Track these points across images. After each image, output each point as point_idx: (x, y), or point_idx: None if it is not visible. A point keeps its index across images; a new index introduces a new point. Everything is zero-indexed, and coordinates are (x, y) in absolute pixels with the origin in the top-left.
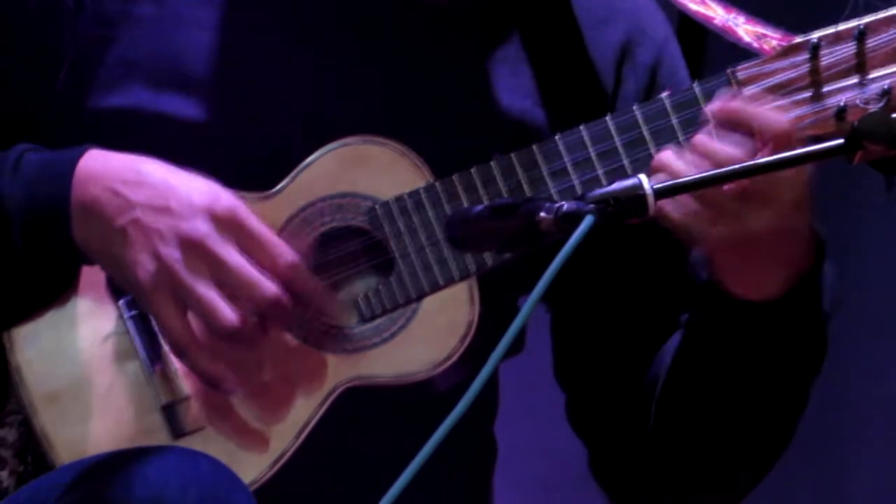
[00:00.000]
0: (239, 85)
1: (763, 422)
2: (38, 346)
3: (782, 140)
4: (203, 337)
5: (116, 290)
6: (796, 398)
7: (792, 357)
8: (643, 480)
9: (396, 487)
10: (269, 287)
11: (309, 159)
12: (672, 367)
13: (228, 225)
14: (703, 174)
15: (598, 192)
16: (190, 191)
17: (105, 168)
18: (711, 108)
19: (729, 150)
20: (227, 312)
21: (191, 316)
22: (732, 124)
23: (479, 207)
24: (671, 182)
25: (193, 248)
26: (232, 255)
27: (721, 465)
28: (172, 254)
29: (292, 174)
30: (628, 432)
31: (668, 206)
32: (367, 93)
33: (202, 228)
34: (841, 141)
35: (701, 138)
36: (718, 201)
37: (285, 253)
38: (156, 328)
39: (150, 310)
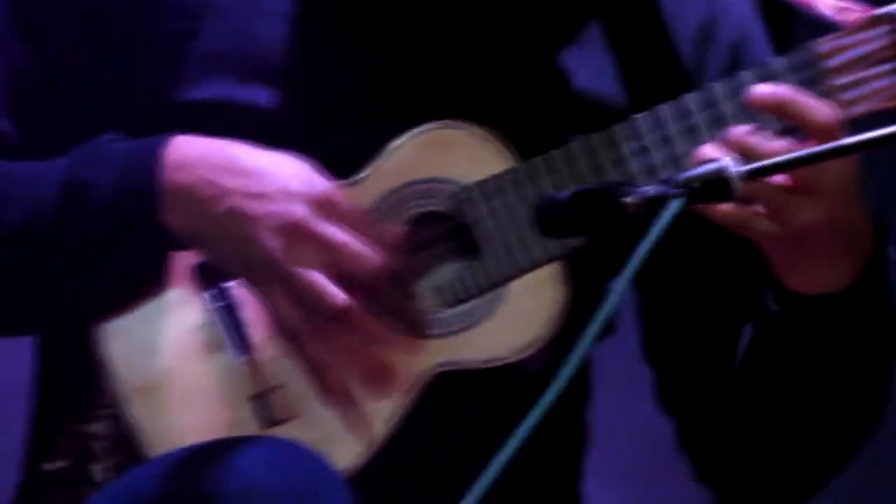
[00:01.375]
0: (321, 74)
1: (842, 408)
2: (127, 339)
3: (827, 133)
4: (310, 323)
5: (202, 281)
6: (873, 385)
7: (863, 346)
8: (728, 459)
9: (489, 476)
10: (380, 257)
11: (392, 146)
12: (745, 356)
13: (325, 207)
14: (789, 156)
15: (684, 175)
16: (284, 175)
17: (195, 154)
18: (756, 91)
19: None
20: (336, 293)
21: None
22: (777, 112)
23: (565, 193)
24: (758, 164)
25: (294, 233)
26: (335, 233)
27: (801, 449)
28: (273, 240)
29: (376, 161)
30: (715, 412)
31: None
32: (446, 79)
33: (301, 212)
34: None
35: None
36: (765, 194)
37: (384, 231)
38: (243, 318)
39: (260, 299)
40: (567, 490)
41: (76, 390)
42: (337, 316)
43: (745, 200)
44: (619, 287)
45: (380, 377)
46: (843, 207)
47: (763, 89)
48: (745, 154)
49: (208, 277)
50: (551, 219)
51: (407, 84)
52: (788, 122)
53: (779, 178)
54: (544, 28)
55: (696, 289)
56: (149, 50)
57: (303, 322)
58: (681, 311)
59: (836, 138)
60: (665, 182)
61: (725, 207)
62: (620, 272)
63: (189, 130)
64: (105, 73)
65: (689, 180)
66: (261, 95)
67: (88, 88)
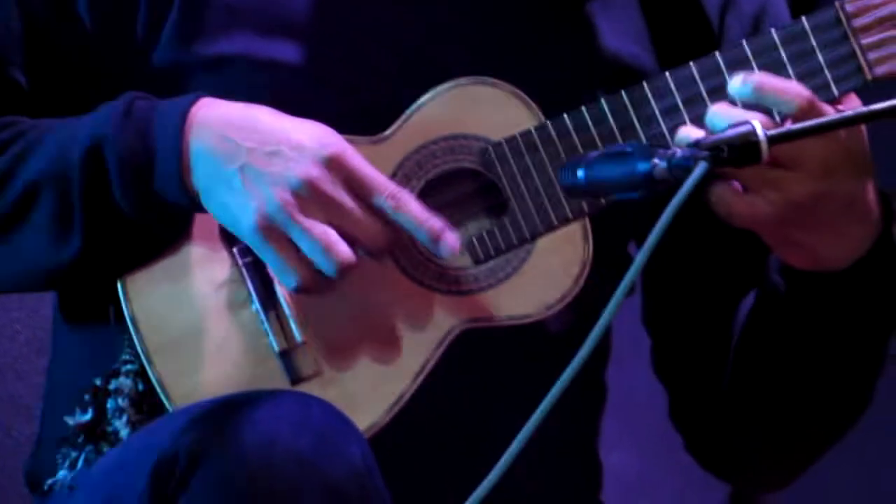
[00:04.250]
0: (345, 29)
1: (833, 385)
2: (153, 295)
3: (805, 111)
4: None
5: (230, 236)
6: (868, 361)
7: (862, 324)
8: (719, 432)
9: (516, 444)
10: (380, 227)
11: (419, 101)
12: (744, 331)
13: (338, 167)
14: (818, 121)
15: (712, 138)
16: (300, 135)
17: (217, 115)
18: (732, 86)
19: None
20: (344, 248)
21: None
22: (756, 98)
23: (593, 154)
24: (785, 129)
25: (305, 190)
26: (344, 196)
27: (794, 425)
28: (285, 196)
29: (403, 117)
30: (708, 383)
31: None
32: (472, 36)
33: (313, 171)
34: None
35: None
36: (749, 173)
37: (396, 191)
38: (271, 274)
39: (262, 254)
40: (587, 448)
41: (100, 345)
42: (343, 271)
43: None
44: (647, 248)
45: (399, 341)
46: (826, 183)
47: (737, 78)
48: None
49: None
50: (576, 180)
51: (432, 39)
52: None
53: None
54: None
55: (697, 258)
56: (170, 3)
57: (308, 277)
58: (679, 280)
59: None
60: (693, 145)
61: (723, 193)
62: (644, 234)
63: (209, 84)
64: (127, 26)
65: (717, 144)
66: (282, 50)
67: (109, 42)
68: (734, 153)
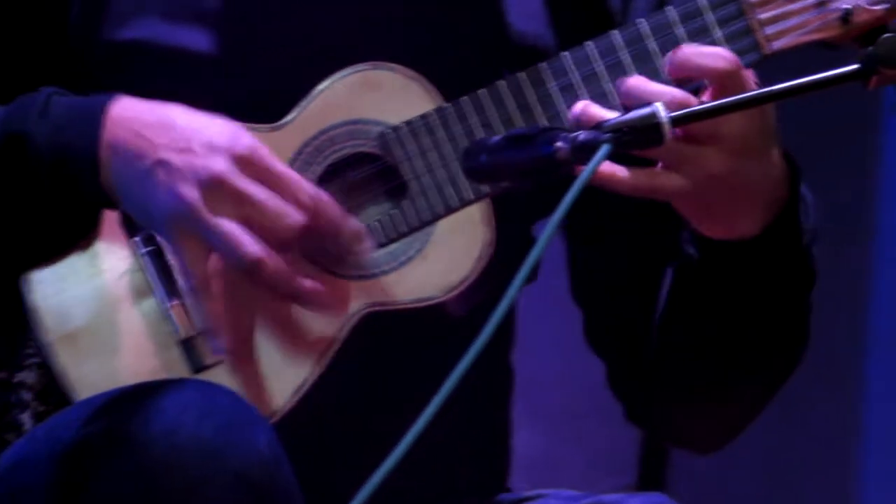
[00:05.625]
0: (250, 16)
1: (757, 347)
2: (54, 286)
3: (730, 75)
4: (222, 280)
5: (130, 227)
6: (789, 321)
7: (777, 286)
8: (655, 399)
9: (420, 424)
10: (296, 215)
11: (319, 87)
12: (666, 299)
13: (249, 163)
14: (722, 101)
15: (614, 120)
16: (211, 132)
17: (132, 113)
18: (666, 65)
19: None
20: (253, 245)
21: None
22: (683, 69)
23: (495, 138)
24: (688, 110)
25: (215, 186)
26: (254, 189)
27: (721, 388)
28: (193, 192)
29: (303, 103)
30: (640, 351)
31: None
32: (376, 19)
33: (222, 166)
34: (856, 66)
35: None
36: (668, 148)
37: (306, 186)
38: (171, 263)
39: (174, 250)
40: (495, 431)
41: (3, 339)
42: (251, 268)
43: (646, 161)
44: (548, 231)
45: (290, 334)
46: (742, 158)
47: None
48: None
49: (136, 223)
50: (481, 164)
51: (336, 25)
52: (694, 80)
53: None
54: None
55: (619, 229)
56: None
57: (205, 276)
58: (604, 252)
59: (742, 81)
60: (595, 128)
61: (626, 176)
62: (548, 215)
63: (116, 70)
64: (36, 9)
65: (619, 125)
66: (189, 37)
67: (16, 28)
68: (636, 135)
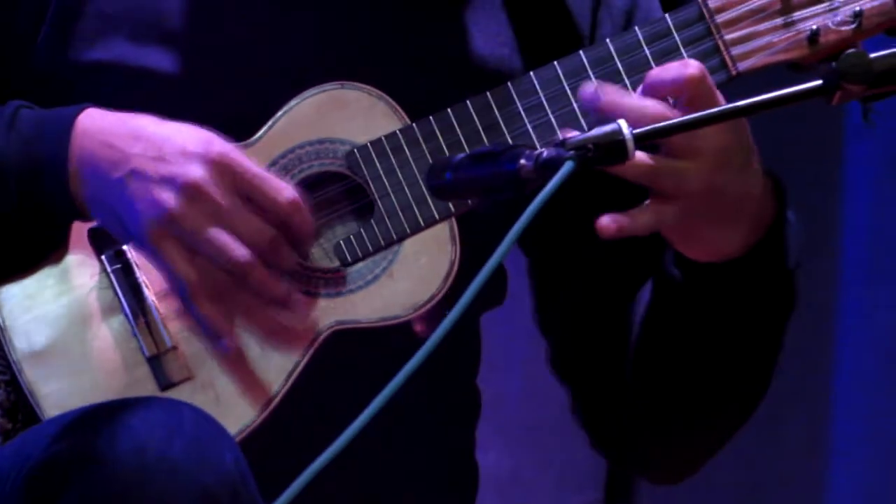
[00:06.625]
0: (217, 38)
1: (736, 371)
2: (21, 303)
3: (696, 84)
4: (210, 285)
5: (99, 243)
6: (767, 346)
7: (760, 309)
8: (623, 427)
9: (358, 423)
10: (267, 227)
11: (287, 107)
12: (643, 322)
13: (223, 168)
14: (683, 118)
15: (578, 137)
16: (183, 139)
17: (102, 124)
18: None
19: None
20: (241, 248)
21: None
22: (655, 91)
23: (460, 156)
24: (651, 127)
25: (193, 193)
26: (228, 198)
27: (697, 414)
28: (171, 200)
29: (270, 122)
30: (608, 379)
31: None
32: (343, 40)
33: (197, 173)
34: (819, 82)
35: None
36: (642, 168)
37: (283, 189)
38: (139, 280)
39: (155, 260)
40: (463, 452)
41: None
42: (239, 270)
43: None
44: (502, 248)
45: (277, 335)
46: (722, 173)
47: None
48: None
49: (104, 240)
50: (445, 182)
51: (302, 46)
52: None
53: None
54: None
55: (586, 256)
56: (47, 7)
57: (201, 279)
58: (571, 279)
59: (708, 91)
60: (559, 145)
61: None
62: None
63: (83, 91)
64: (6, 29)
65: (583, 143)
66: (155, 58)
67: None
68: (600, 152)
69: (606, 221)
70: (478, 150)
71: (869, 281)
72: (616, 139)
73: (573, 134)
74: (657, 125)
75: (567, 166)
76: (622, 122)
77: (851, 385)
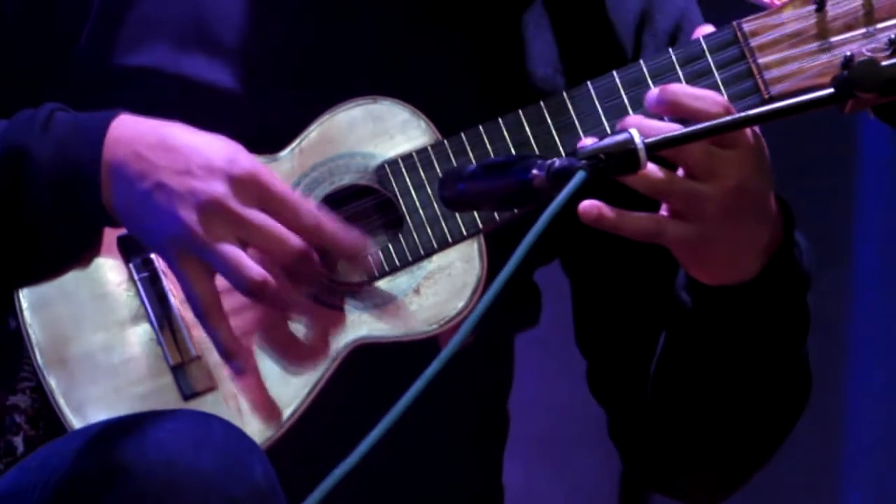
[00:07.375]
0: (261, 50)
1: (757, 398)
2: (48, 309)
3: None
4: (227, 302)
5: (127, 251)
6: (789, 372)
7: (772, 333)
8: (653, 452)
9: (373, 436)
10: (295, 241)
11: (319, 120)
12: (663, 348)
13: (248, 185)
14: (694, 127)
15: (590, 147)
16: (210, 153)
17: (133, 132)
18: (649, 101)
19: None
20: (254, 268)
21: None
22: (672, 111)
23: (472, 167)
24: (662, 136)
25: (213, 209)
26: (253, 213)
27: (720, 438)
28: (192, 216)
29: (302, 135)
30: (638, 403)
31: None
32: (379, 55)
33: (219, 189)
34: (832, 90)
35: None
36: (670, 185)
37: (308, 209)
38: (166, 289)
39: (175, 272)
40: (489, 476)
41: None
42: (253, 289)
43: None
44: (516, 257)
45: (298, 350)
46: (739, 202)
47: (650, 96)
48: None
49: (132, 248)
50: (457, 193)
51: (339, 60)
52: (683, 117)
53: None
54: (492, 7)
55: (623, 279)
56: (89, 10)
57: (216, 298)
58: (608, 301)
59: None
60: (571, 154)
61: (637, 221)
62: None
63: (123, 96)
64: (47, 32)
65: (595, 152)
66: (192, 65)
67: (27, 47)
68: (612, 161)
69: (588, 206)
70: (490, 160)
71: (882, 291)
72: (628, 148)
73: (585, 143)
74: (669, 134)
75: (579, 176)
76: (634, 132)
77: (863, 396)
